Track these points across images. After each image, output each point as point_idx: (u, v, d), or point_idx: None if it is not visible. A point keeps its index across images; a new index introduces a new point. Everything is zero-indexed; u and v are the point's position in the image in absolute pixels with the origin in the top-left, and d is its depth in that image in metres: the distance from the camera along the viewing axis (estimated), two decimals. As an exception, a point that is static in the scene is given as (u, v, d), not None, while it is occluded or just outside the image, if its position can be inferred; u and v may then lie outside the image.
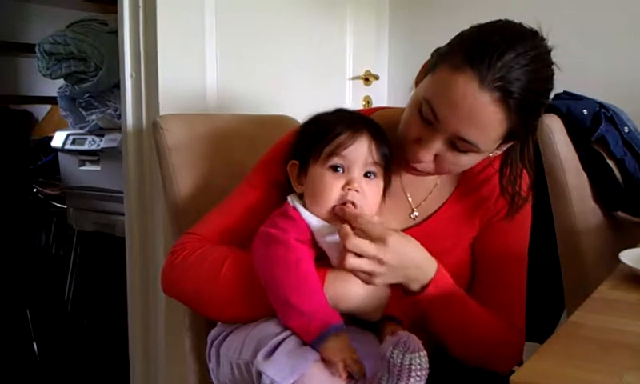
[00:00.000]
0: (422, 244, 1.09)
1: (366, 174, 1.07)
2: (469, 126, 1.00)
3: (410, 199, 1.23)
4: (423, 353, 0.89)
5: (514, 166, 1.13)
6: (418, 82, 1.11)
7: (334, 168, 1.07)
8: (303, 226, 1.05)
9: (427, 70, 1.08)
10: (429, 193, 1.23)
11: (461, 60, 0.99)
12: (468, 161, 1.09)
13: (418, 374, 0.88)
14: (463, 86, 0.98)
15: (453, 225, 1.22)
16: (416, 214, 1.22)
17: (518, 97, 0.98)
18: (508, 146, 1.09)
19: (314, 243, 1.06)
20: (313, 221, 1.05)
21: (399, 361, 0.88)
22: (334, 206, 1.05)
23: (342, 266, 1.00)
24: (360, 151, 1.06)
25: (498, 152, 1.11)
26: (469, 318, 1.14)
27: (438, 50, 1.08)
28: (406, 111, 1.11)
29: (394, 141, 1.12)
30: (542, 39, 1.03)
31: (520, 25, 1.03)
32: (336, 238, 1.02)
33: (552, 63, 1.03)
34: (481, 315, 1.15)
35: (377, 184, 1.08)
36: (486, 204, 1.21)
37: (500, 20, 1.04)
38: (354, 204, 1.04)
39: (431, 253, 1.09)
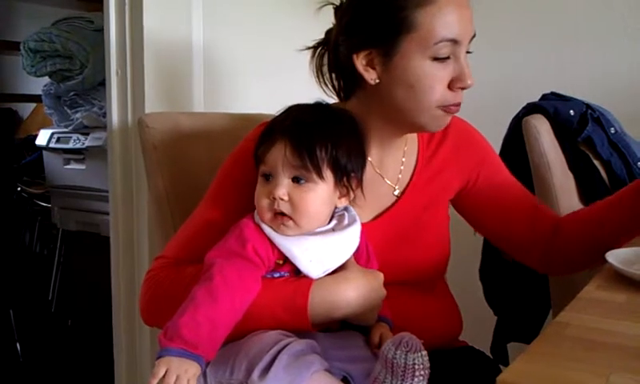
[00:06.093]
0: (408, 216, 1.19)
1: (295, 180, 1.01)
2: (471, 19, 1.09)
3: (387, 180, 1.23)
4: (424, 352, 0.89)
5: None
6: (382, 78, 1.11)
7: (265, 176, 1.03)
8: (255, 242, 0.99)
9: (382, 60, 1.09)
10: (401, 165, 1.24)
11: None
12: None
13: (422, 373, 0.88)
14: None
15: (431, 187, 1.24)
16: (398, 191, 1.23)
17: None
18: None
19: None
20: (271, 233, 1.01)
21: (402, 361, 0.88)
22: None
23: None
24: (275, 155, 1.01)
25: None
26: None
27: (370, 48, 1.11)
28: (418, 87, 1.08)
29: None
30: None
31: None
32: (291, 241, 1.00)
33: None
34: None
35: (310, 189, 1.00)
36: (459, 160, 1.26)
37: None
38: (283, 214, 0.99)
39: (419, 220, 1.19)
